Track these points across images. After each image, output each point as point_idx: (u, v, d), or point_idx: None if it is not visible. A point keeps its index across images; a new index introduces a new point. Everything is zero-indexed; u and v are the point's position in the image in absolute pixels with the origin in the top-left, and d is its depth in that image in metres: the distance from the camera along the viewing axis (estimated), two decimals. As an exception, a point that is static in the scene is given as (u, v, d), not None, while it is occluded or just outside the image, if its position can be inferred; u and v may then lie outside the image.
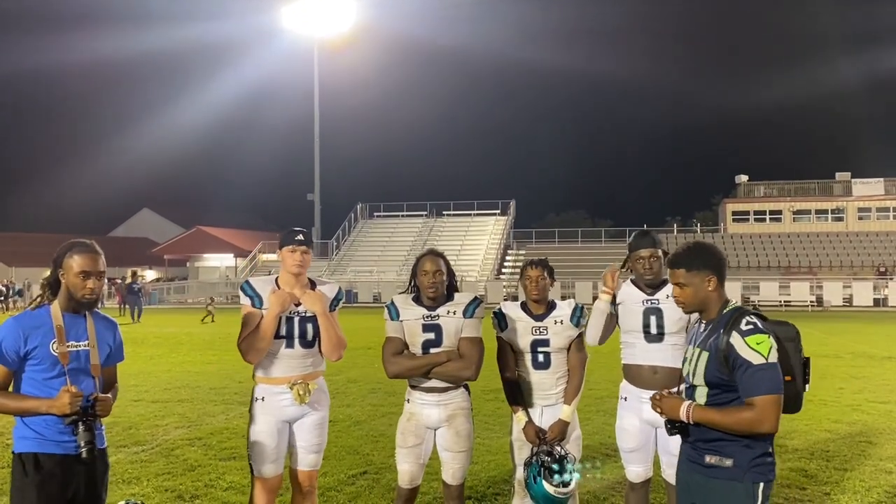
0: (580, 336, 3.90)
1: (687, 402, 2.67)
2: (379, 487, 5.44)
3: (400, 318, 3.75)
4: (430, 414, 3.74)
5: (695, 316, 2.97)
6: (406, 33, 69.95)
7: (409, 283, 3.85)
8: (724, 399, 2.62)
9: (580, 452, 3.88)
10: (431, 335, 3.70)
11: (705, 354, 2.67)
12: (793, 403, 2.70)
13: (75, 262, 2.96)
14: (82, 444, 2.84)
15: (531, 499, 3.67)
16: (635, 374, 3.84)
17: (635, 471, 3.86)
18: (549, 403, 3.84)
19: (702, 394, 2.69)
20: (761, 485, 2.59)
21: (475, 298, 3.83)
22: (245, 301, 3.67)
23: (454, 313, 3.72)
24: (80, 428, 2.84)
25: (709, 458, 2.64)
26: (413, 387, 3.79)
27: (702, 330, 2.78)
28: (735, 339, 2.58)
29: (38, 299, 3.02)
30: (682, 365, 2.87)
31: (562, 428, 3.78)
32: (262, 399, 3.67)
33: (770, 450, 2.65)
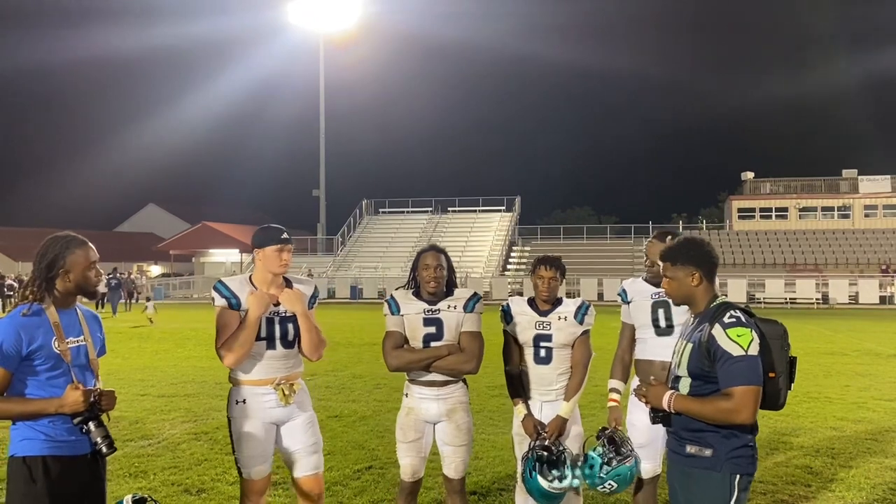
0: (585, 334, 3.90)
1: (669, 392, 2.78)
2: (384, 482, 5.46)
3: (401, 313, 3.77)
4: (430, 408, 3.76)
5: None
6: (411, 29, 69.89)
7: (409, 278, 3.87)
8: (706, 390, 2.71)
9: (580, 449, 3.89)
10: (433, 329, 3.72)
11: (689, 346, 2.77)
12: (774, 400, 2.75)
13: (83, 256, 2.88)
14: (99, 440, 2.76)
15: (527, 492, 3.69)
16: (646, 370, 3.88)
17: (644, 467, 3.87)
18: (549, 399, 3.86)
19: (685, 384, 2.79)
20: (738, 476, 2.67)
21: (475, 294, 3.86)
22: (221, 302, 3.51)
23: (455, 308, 3.75)
24: (92, 425, 2.75)
25: (689, 448, 2.74)
26: (412, 381, 3.81)
27: (691, 324, 2.89)
28: (717, 330, 2.67)
29: (30, 298, 2.83)
30: (671, 356, 2.97)
31: (560, 424, 3.80)
32: (244, 402, 3.51)
33: (751, 443, 2.72)
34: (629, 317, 4.05)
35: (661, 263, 3.00)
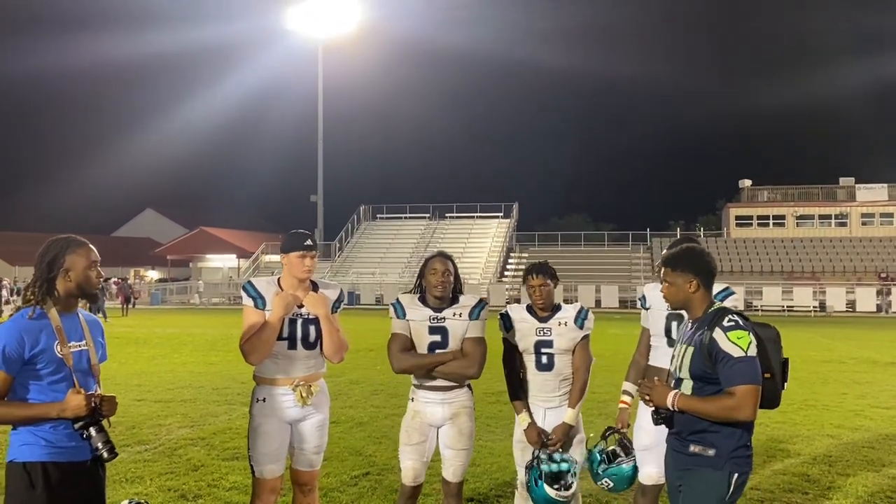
0: (585, 338, 3.90)
1: (674, 391, 2.89)
2: (381, 488, 5.44)
3: (406, 318, 3.79)
4: (435, 412, 3.78)
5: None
6: (410, 34, 70.12)
7: (416, 283, 3.89)
8: (707, 391, 2.84)
9: (583, 455, 3.88)
10: (437, 337, 3.73)
11: (690, 349, 2.89)
12: (771, 400, 2.88)
13: (84, 255, 2.87)
14: (100, 445, 2.75)
15: (532, 502, 3.68)
16: (654, 376, 3.89)
17: (648, 472, 3.84)
18: (552, 405, 3.85)
19: (687, 386, 2.90)
20: (736, 475, 2.80)
21: (480, 300, 3.86)
22: (248, 302, 3.64)
23: (460, 315, 3.76)
24: (93, 431, 2.74)
25: (693, 448, 2.86)
26: (418, 386, 3.83)
27: (689, 328, 2.99)
28: (717, 334, 2.80)
29: (31, 301, 2.83)
30: (671, 360, 3.08)
31: (565, 431, 3.79)
32: (264, 400, 3.65)
33: (749, 443, 2.85)
34: (647, 321, 4.08)
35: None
